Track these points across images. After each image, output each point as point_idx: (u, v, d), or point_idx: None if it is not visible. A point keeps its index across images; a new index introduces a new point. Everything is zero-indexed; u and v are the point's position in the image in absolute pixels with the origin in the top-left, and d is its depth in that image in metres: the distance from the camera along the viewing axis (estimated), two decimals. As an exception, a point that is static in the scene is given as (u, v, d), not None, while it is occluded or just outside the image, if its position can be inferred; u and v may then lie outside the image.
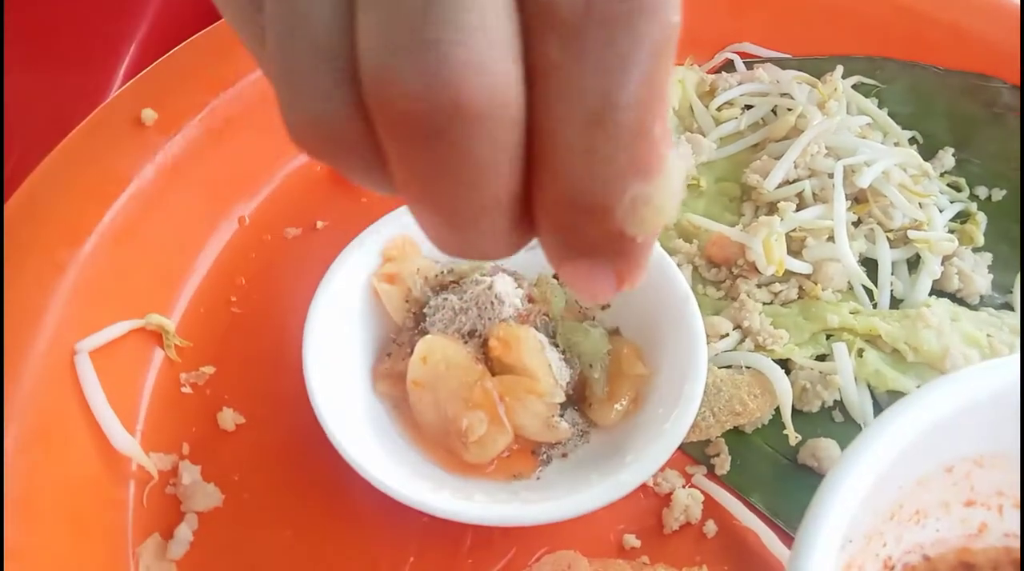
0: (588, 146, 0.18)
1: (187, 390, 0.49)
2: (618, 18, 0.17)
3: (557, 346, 0.47)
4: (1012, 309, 0.54)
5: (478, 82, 0.17)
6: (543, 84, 0.18)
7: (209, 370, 0.50)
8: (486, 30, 0.17)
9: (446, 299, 0.47)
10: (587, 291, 0.22)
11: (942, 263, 0.54)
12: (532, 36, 0.18)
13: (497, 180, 0.19)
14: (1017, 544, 0.39)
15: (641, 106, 0.18)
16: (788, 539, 0.44)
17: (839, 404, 0.49)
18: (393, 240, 0.49)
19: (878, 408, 0.49)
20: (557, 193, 0.20)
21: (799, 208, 0.55)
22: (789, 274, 0.53)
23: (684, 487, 0.46)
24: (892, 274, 0.54)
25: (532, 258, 0.50)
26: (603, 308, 0.51)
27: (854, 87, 0.64)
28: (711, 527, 0.45)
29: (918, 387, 0.46)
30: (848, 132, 0.58)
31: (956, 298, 0.54)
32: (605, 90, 0.18)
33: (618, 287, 0.22)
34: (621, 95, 0.18)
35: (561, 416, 0.45)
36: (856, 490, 0.33)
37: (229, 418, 0.48)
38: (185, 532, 0.44)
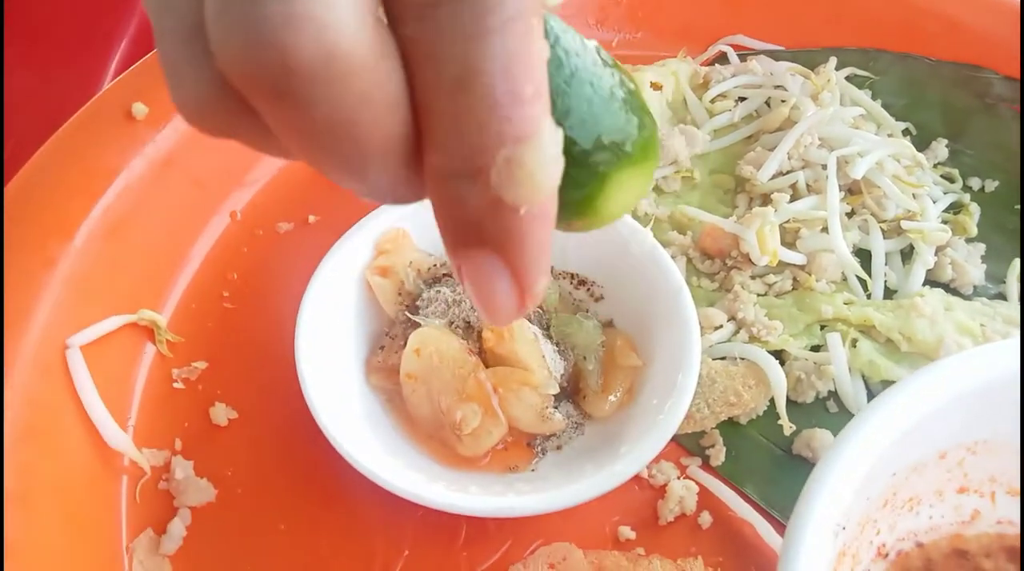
0: (455, 111, 0.19)
1: (179, 385, 0.49)
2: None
3: (551, 338, 0.47)
4: (1006, 299, 0.54)
5: (302, 39, 0.17)
6: (411, 53, 0.19)
7: (201, 365, 0.50)
8: None
9: (439, 291, 0.47)
10: (487, 294, 0.21)
11: (936, 253, 0.54)
12: (394, 7, 0.18)
13: (370, 130, 0.19)
14: (1010, 531, 0.39)
15: (505, 69, 0.18)
16: (782, 529, 0.43)
17: (833, 394, 0.49)
18: (386, 233, 0.49)
19: (872, 398, 0.48)
20: (436, 162, 0.20)
21: (793, 199, 0.55)
22: (783, 265, 0.53)
23: (679, 478, 0.46)
24: (886, 265, 0.54)
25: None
26: (596, 300, 0.51)
27: (847, 79, 0.64)
28: (706, 518, 0.45)
29: (912, 376, 0.46)
30: (841, 123, 0.58)
31: (950, 288, 0.54)
32: (465, 56, 0.18)
33: (519, 296, 0.21)
34: (482, 60, 0.18)
35: (555, 408, 0.45)
36: (848, 477, 0.33)
37: (222, 413, 0.48)
38: (178, 527, 0.44)
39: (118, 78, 0.55)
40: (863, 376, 0.49)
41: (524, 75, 0.19)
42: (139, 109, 0.52)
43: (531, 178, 0.19)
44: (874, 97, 0.64)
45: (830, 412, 0.49)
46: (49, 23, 0.69)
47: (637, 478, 0.46)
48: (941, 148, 0.62)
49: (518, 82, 0.19)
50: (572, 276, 0.51)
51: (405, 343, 0.45)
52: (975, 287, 0.54)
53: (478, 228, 0.20)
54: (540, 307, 0.48)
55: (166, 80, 0.20)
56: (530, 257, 0.21)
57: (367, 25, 0.18)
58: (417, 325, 0.46)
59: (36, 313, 0.45)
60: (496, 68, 0.18)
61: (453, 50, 0.18)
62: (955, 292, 0.54)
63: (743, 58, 0.66)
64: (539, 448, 0.45)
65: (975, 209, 0.58)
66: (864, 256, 0.54)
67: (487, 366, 0.44)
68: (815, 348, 0.50)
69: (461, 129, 0.19)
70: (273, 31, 0.17)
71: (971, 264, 0.54)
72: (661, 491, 0.46)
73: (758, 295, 0.52)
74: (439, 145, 0.20)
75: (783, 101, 0.60)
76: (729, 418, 0.48)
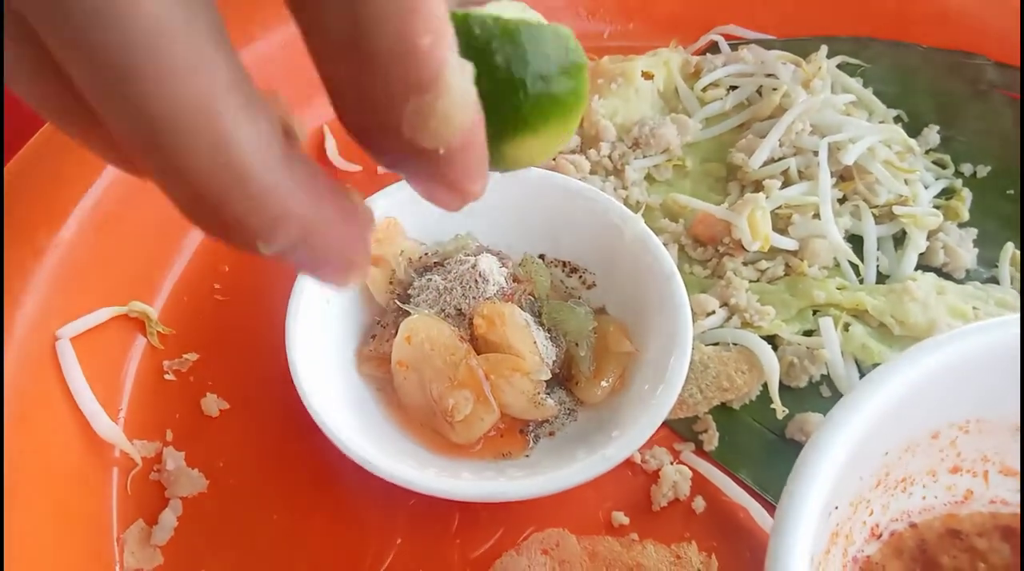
0: (352, 75, 0.19)
1: (170, 377, 0.49)
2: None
3: (543, 325, 0.47)
4: (998, 283, 0.54)
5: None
6: (301, 24, 0.19)
7: (192, 357, 0.50)
8: None
9: (430, 280, 0.47)
10: (432, 200, 0.22)
11: (928, 238, 0.54)
12: None
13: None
14: (1004, 510, 0.39)
15: (392, 26, 0.18)
16: (777, 513, 0.43)
17: (826, 379, 0.49)
18: (377, 222, 0.48)
19: (865, 382, 0.48)
20: (354, 126, 0.20)
21: (784, 186, 0.55)
22: (775, 251, 0.53)
23: (672, 464, 0.46)
24: (878, 250, 0.54)
25: (517, 239, 0.50)
26: (588, 287, 0.51)
27: (839, 67, 0.64)
28: (700, 503, 0.44)
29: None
30: (833, 110, 0.58)
31: (942, 273, 0.54)
32: (348, 20, 0.18)
33: (459, 197, 0.22)
34: (365, 21, 0.18)
35: (547, 394, 0.45)
36: (838, 455, 0.33)
37: (213, 404, 0.48)
38: (170, 518, 0.44)
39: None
40: (856, 360, 0.49)
41: (417, 26, 0.19)
42: (128, 101, 0.52)
43: (445, 123, 0.20)
44: (865, 85, 0.64)
45: (823, 396, 0.49)
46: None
47: (630, 463, 0.46)
48: (933, 134, 0.62)
49: (411, 35, 0.18)
50: (564, 263, 0.51)
51: (396, 332, 0.45)
52: (967, 271, 0.54)
53: (404, 163, 0.21)
54: (531, 294, 0.47)
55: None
56: (462, 175, 0.21)
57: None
58: (408, 314, 0.45)
59: (26, 304, 0.45)
60: (383, 27, 0.18)
61: (336, 15, 0.18)
62: (947, 276, 0.54)
63: (734, 47, 0.66)
64: (532, 434, 0.45)
65: (967, 194, 0.58)
66: (856, 241, 0.54)
67: (479, 353, 0.44)
68: (808, 333, 0.50)
69: (363, 91, 0.19)
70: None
71: (963, 248, 0.54)
72: (654, 476, 0.45)
73: (750, 281, 0.52)
74: (347, 111, 0.20)
75: (774, 89, 0.60)
76: (722, 403, 0.48)
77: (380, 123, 0.20)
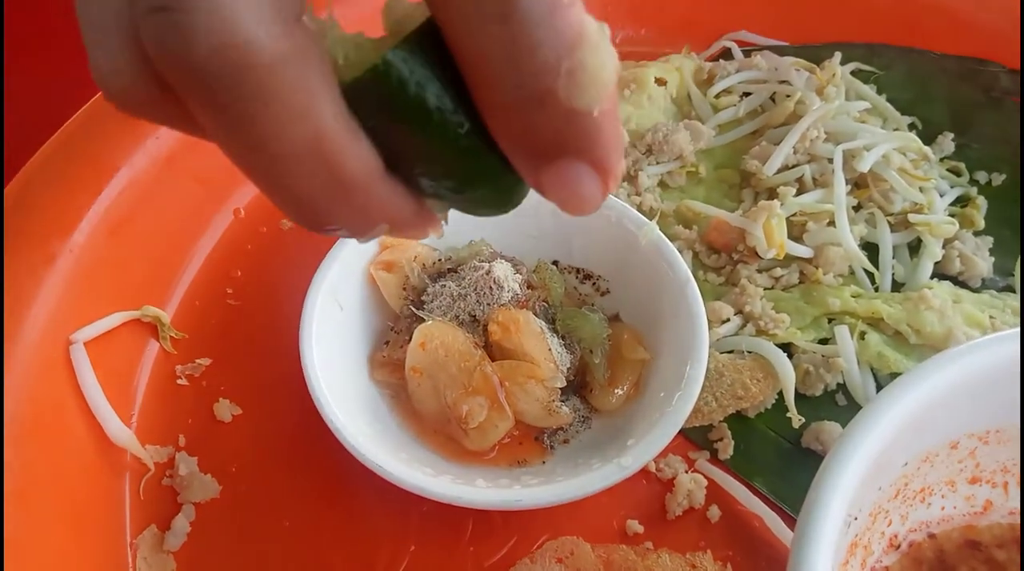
0: (504, 43, 0.19)
1: (183, 382, 0.49)
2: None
3: (557, 332, 0.47)
4: (1014, 291, 0.53)
5: (196, 51, 0.19)
6: (442, 9, 0.20)
7: (205, 362, 0.50)
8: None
9: (444, 286, 0.46)
10: (575, 197, 0.22)
11: (943, 246, 0.54)
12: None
13: (277, 131, 0.20)
14: None
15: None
16: (792, 522, 0.43)
17: (842, 387, 0.49)
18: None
19: (881, 390, 0.48)
20: (501, 102, 0.21)
21: (799, 193, 0.55)
22: (790, 259, 0.52)
23: (687, 472, 0.45)
24: (893, 258, 0.53)
25: (531, 245, 0.50)
26: (602, 294, 0.50)
27: (852, 73, 0.64)
28: (715, 512, 0.44)
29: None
30: (847, 117, 0.58)
31: (958, 281, 0.54)
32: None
33: (603, 183, 0.22)
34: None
35: (562, 402, 0.45)
36: (859, 466, 0.32)
37: (226, 409, 0.48)
38: (182, 523, 0.44)
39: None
40: (872, 369, 0.49)
41: None
42: (142, 106, 0.52)
43: (596, 76, 0.20)
44: (879, 92, 0.64)
45: (839, 405, 0.48)
46: (52, 22, 0.69)
47: (645, 472, 0.45)
48: (947, 142, 0.61)
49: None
50: (578, 270, 0.51)
51: (410, 338, 0.45)
52: (983, 280, 0.54)
53: (556, 143, 0.21)
54: (545, 301, 0.47)
55: (90, 59, 0.22)
56: (610, 147, 0.22)
57: (274, 31, 0.19)
58: (422, 320, 0.45)
59: (40, 309, 0.45)
60: None
61: None
62: (963, 285, 0.54)
63: (747, 54, 0.66)
64: (547, 442, 0.45)
65: (982, 202, 0.57)
66: (871, 249, 0.54)
67: (493, 360, 0.44)
68: (823, 341, 0.50)
69: (516, 59, 0.20)
70: (176, 40, 0.19)
71: (979, 257, 0.54)
72: (669, 485, 0.45)
73: (765, 289, 0.52)
74: (495, 84, 0.20)
75: (788, 96, 0.60)
76: (737, 412, 0.47)
77: (539, 94, 0.20)
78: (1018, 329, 0.36)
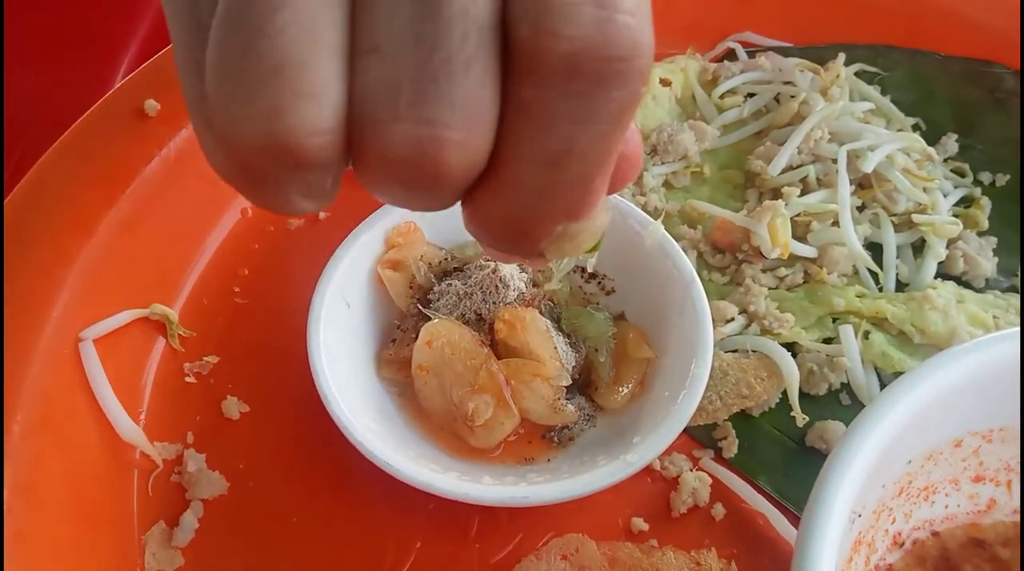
0: (539, 184, 0.20)
1: (191, 379, 0.49)
2: (596, 78, 0.19)
3: (562, 331, 0.47)
4: (1018, 292, 0.53)
5: (453, 155, 0.19)
6: (515, 121, 0.20)
7: (213, 360, 0.50)
8: (468, 108, 0.19)
9: (450, 284, 0.47)
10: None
11: (947, 247, 0.54)
12: (514, 76, 0.19)
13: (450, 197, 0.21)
14: (1028, 519, 0.38)
15: (596, 158, 0.20)
16: (796, 521, 0.43)
17: (846, 387, 0.49)
18: (397, 227, 0.49)
19: (885, 390, 0.48)
20: (497, 213, 0.21)
21: (803, 194, 0.55)
22: (794, 258, 0.53)
23: (691, 470, 0.46)
24: (897, 258, 0.53)
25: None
26: (607, 293, 0.51)
27: (856, 75, 0.64)
28: (719, 510, 0.44)
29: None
30: (851, 118, 0.58)
31: (962, 281, 0.54)
32: (569, 139, 0.19)
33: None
34: (582, 146, 0.20)
35: (567, 400, 0.45)
36: (862, 463, 0.33)
37: (233, 407, 0.48)
38: (190, 519, 0.44)
39: (131, 75, 0.55)
40: (876, 368, 0.49)
41: (607, 166, 0.20)
42: (151, 106, 0.53)
43: (575, 249, 0.22)
44: (883, 93, 0.64)
45: (843, 404, 0.49)
46: (61, 24, 0.69)
47: (649, 470, 0.46)
48: (951, 143, 0.62)
49: (599, 172, 0.20)
50: (583, 270, 0.51)
51: (416, 336, 0.45)
52: (987, 280, 0.54)
53: (514, 254, 0.23)
54: (551, 299, 0.48)
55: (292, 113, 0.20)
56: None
57: (492, 134, 0.20)
58: (428, 318, 0.46)
59: (50, 307, 0.45)
60: (590, 155, 0.20)
61: (561, 130, 0.19)
62: (967, 285, 0.54)
63: (751, 55, 0.66)
64: (553, 440, 0.45)
65: (986, 203, 0.58)
66: (875, 249, 0.54)
67: (499, 358, 0.44)
68: (827, 340, 0.50)
69: (534, 200, 0.20)
70: (433, 149, 0.19)
71: (983, 257, 0.54)
72: (673, 483, 0.45)
73: (769, 288, 0.52)
74: (505, 202, 0.21)
75: (792, 96, 0.60)
76: (741, 410, 0.48)
77: (529, 231, 0.21)
78: (1020, 328, 0.36)
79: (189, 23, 0.20)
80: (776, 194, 0.55)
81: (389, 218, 0.48)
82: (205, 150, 0.21)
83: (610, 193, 0.23)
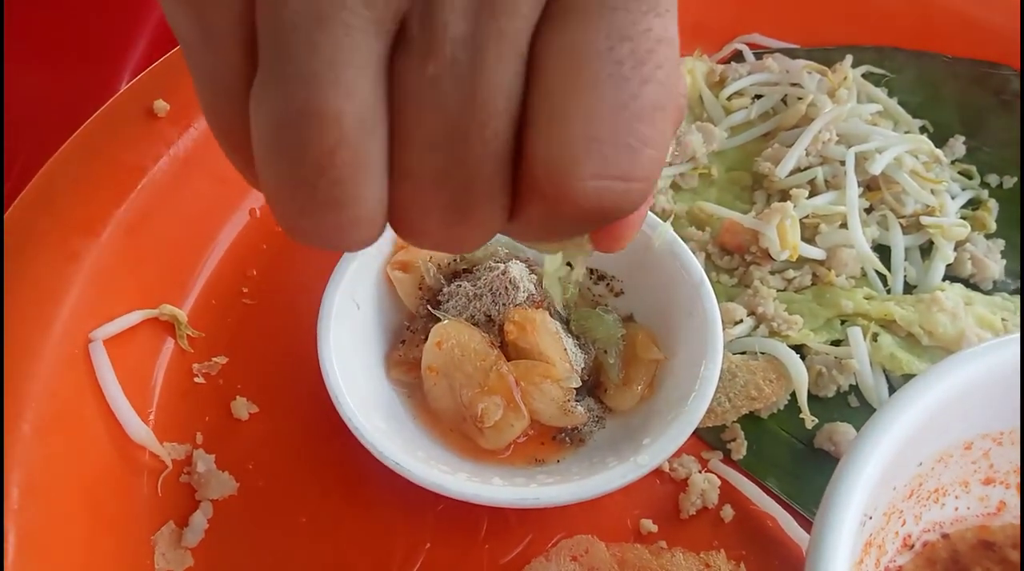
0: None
1: (200, 380, 0.49)
2: (605, 221, 0.22)
3: (571, 333, 0.47)
4: (1025, 294, 0.54)
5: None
6: (522, 220, 0.23)
7: (222, 360, 0.50)
8: (486, 230, 0.23)
9: (460, 286, 0.47)
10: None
11: (955, 249, 0.54)
12: (526, 196, 0.22)
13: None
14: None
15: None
16: (805, 523, 0.44)
17: (855, 389, 0.49)
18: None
19: (894, 392, 0.48)
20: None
21: (811, 196, 0.55)
22: (803, 260, 0.53)
23: (700, 472, 0.46)
24: (905, 260, 0.54)
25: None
26: (616, 295, 0.51)
27: (864, 76, 0.64)
28: (728, 512, 0.45)
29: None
30: (859, 120, 0.58)
31: (969, 283, 0.54)
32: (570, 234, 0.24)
33: None
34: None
35: (577, 401, 0.45)
36: (875, 466, 0.33)
37: (243, 407, 0.48)
38: (200, 520, 0.44)
39: (139, 76, 0.55)
40: (884, 370, 0.49)
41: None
42: (160, 106, 0.53)
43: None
44: (890, 95, 0.64)
45: (851, 406, 0.49)
46: (67, 25, 0.69)
47: (658, 472, 0.46)
48: (958, 145, 0.62)
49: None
50: (591, 271, 0.51)
51: (426, 337, 0.45)
52: (995, 282, 0.54)
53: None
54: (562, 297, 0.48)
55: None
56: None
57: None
58: (438, 319, 0.46)
59: (60, 307, 0.45)
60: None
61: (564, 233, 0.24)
62: (975, 287, 0.54)
63: (759, 56, 0.66)
64: (563, 441, 0.45)
65: (993, 205, 0.58)
66: (883, 251, 0.54)
67: (509, 359, 0.44)
68: (835, 343, 0.50)
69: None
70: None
71: (991, 259, 0.54)
72: (683, 485, 0.45)
73: (778, 290, 0.52)
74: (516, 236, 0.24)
75: (800, 98, 0.60)
76: (750, 412, 0.48)
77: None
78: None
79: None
80: (784, 196, 0.55)
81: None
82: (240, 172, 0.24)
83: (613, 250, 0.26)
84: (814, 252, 0.52)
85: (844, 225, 0.53)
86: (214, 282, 0.53)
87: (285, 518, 0.45)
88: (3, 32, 0.64)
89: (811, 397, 0.48)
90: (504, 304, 0.45)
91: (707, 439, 0.48)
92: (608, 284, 0.51)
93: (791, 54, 0.66)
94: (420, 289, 0.48)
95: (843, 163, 0.55)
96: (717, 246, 0.55)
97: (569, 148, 0.20)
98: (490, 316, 0.45)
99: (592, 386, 0.47)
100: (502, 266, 0.46)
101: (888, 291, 0.53)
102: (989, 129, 0.63)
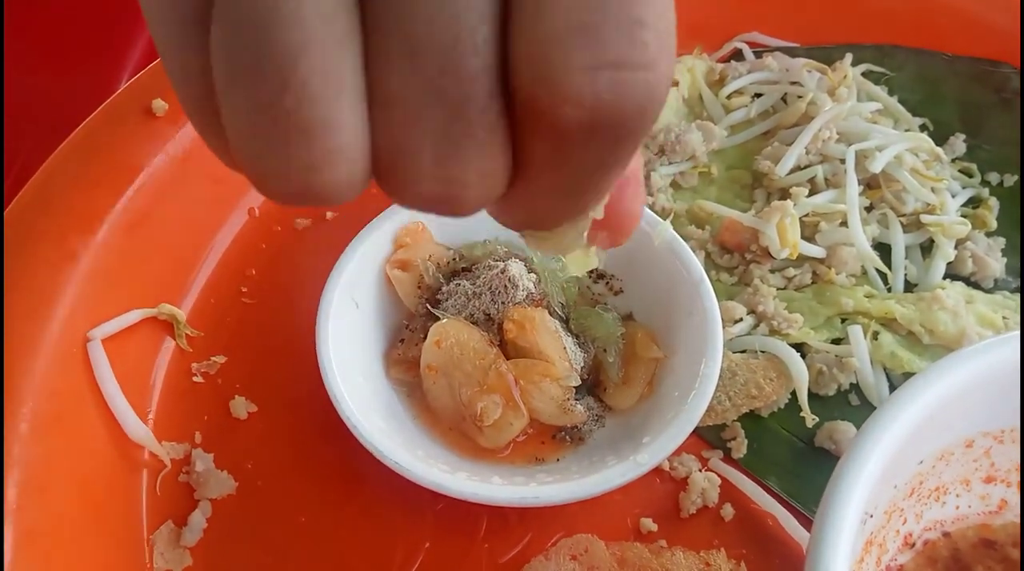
0: (552, 204, 0.21)
1: (198, 379, 0.49)
2: (612, 139, 0.18)
3: (571, 331, 0.47)
4: (1026, 292, 0.53)
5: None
6: (529, 164, 0.20)
7: (220, 359, 0.50)
8: (486, 166, 0.20)
9: (459, 284, 0.47)
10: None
11: (955, 247, 0.54)
12: (526, 129, 0.19)
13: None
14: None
15: (606, 186, 0.21)
16: (805, 521, 0.43)
17: (855, 387, 0.49)
18: (405, 227, 0.49)
19: (894, 390, 0.48)
20: (515, 218, 0.22)
21: (811, 194, 0.55)
22: (803, 259, 0.52)
23: (701, 471, 0.46)
24: (906, 258, 0.53)
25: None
26: (616, 293, 0.51)
27: (863, 75, 0.64)
28: (728, 510, 0.44)
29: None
30: (859, 118, 0.58)
31: (970, 282, 0.54)
32: (580, 179, 0.20)
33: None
34: (592, 183, 0.20)
35: (577, 400, 0.45)
36: (876, 464, 0.33)
37: (241, 406, 0.48)
38: (199, 519, 0.44)
39: (138, 75, 0.55)
40: (885, 368, 0.49)
41: (613, 184, 0.22)
42: (159, 106, 0.53)
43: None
44: (890, 93, 0.64)
45: (852, 405, 0.49)
46: (65, 26, 0.69)
47: (658, 470, 0.46)
48: (958, 143, 0.62)
49: (606, 189, 0.22)
50: (591, 270, 0.51)
51: (425, 336, 0.45)
52: (996, 280, 0.54)
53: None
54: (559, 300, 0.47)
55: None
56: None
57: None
58: (437, 318, 0.46)
59: (58, 306, 0.45)
60: (600, 189, 0.21)
61: (573, 174, 0.20)
62: (976, 285, 0.54)
63: (758, 55, 0.66)
64: (563, 440, 0.45)
65: (994, 203, 0.57)
66: (884, 250, 0.54)
67: (508, 358, 0.44)
68: (836, 341, 0.50)
69: (548, 211, 0.22)
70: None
71: (992, 257, 0.54)
72: (683, 484, 0.45)
73: (778, 289, 0.52)
74: (520, 208, 0.22)
75: (800, 97, 0.60)
76: (750, 411, 0.48)
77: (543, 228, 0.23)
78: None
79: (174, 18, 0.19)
80: (784, 194, 0.55)
81: (397, 218, 0.48)
82: (213, 150, 0.21)
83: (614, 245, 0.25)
84: (814, 250, 0.52)
85: (844, 223, 0.53)
86: (213, 281, 0.53)
87: (284, 517, 0.45)
88: (3, 32, 0.64)
89: (811, 395, 0.48)
90: (503, 303, 0.45)
91: (707, 438, 0.47)
92: (608, 282, 0.51)
93: (791, 52, 0.66)
94: (419, 288, 0.48)
95: (843, 161, 0.55)
96: (717, 244, 0.55)
97: (555, 40, 0.17)
98: (489, 315, 0.45)
99: (592, 385, 0.47)
100: (501, 265, 0.46)
101: (888, 289, 0.52)
102: (989, 127, 0.63)
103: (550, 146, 0.19)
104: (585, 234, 0.24)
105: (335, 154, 0.18)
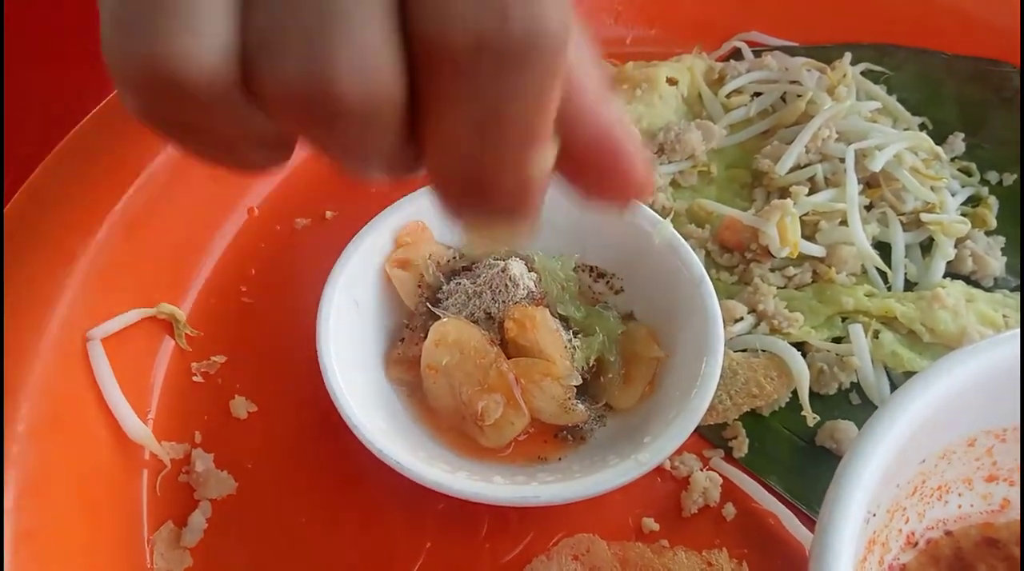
0: (476, 141, 0.20)
1: (198, 379, 0.49)
2: (500, 64, 0.19)
3: (571, 330, 0.47)
4: (1026, 291, 0.53)
5: (352, 79, 0.19)
6: (434, 95, 0.20)
7: (220, 359, 0.50)
8: (360, 44, 0.19)
9: (459, 284, 0.47)
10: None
11: (955, 246, 0.54)
12: (423, 59, 0.19)
13: (375, 142, 0.21)
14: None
15: (524, 121, 0.20)
16: (807, 520, 0.43)
17: (856, 386, 0.49)
18: (405, 226, 0.48)
19: (895, 389, 0.48)
20: (447, 167, 0.22)
21: (811, 193, 0.55)
22: (803, 258, 0.52)
23: (702, 470, 0.46)
24: (906, 257, 0.53)
25: (544, 243, 0.50)
26: (616, 292, 0.51)
27: (863, 74, 0.64)
28: (730, 510, 0.44)
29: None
30: (858, 117, 0.58)
31: (970, 280, 0.54)
32: (491, 111, 0.20)
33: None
34: (505, 114, 0.20)
35: (578, 399, 0.45)
36: (878, 463, 0.33)
37: (241, 406, 0.48)
38: (199, 519, 0.44)
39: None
40: (886, 367, 0.49)
41: (540, 122, 0.21)
42: (158, 104, 0.52)
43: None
44: (889, 92, 0.64)
45: (853, 404, 0.49)
46: (63, 25, 0.69)
47: (660, 470, 0.46)
48: (958, 142, 0.61)
49: (534, 126, 0.21)
50: (591, 269, 0.51)
51: (425, 335, 0.45)
52: (996, 279, 0.54)
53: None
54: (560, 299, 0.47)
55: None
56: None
57: (399, 72, 0.19)
58: (437, 317, 0.45)
59: (58, 306, 0.45)
60: (521, 119, 0.20)
61: (481, 105, 0.20)
62: (976, 284, 0.54)
63: (758, 54, 0.66)
64: (564, 439, 0.45)
65: (994, 202, 0.57)
66: (884, 249, 0.54)
67: (509, 357, 0.44)
68: (837, 340, 0.50)
69: (476, 150, 0.21)
70: (331, 70, 0.18)
71: (991, 256, 0.54)
72: (684, 483, 0.45)
73: (778, 287, 0.52)
74: (446, 153, 0.21)
75: (799, 96, 0.60)
76: (751, 410, 0.48)
77: (484, 184, 0.22)
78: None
79: None
80: (783, 193, 0.55)
81: (397, 217, 0.48)
82: (124, 101, 0.22)
83: (616, 205, 0.25)
84: (814, 249, 0.52)
85: (844, 222, 0.53)
86: (213, 281, 0.53)
87: (284, 518, 0.44)
88: (3, 32, 0.64)
89: (812, 394, 0.48)
90: (504, 301, 0.45)
91: (708, 437, 0.47)
92: (608, 282, 0.51)
93: (790, 52, 0.66)
94: (419, 287, 0.48)
95: (843, 160, 0.55)
96: (717, 243, 0.55)
97: None
98: (490, 313, 0.45)
99: (593, 384, 0.47)
100: (502, 263, 0.46)
101: (889, 288, 0.52)
102: (989, 126, 0.63)
103: (447, 76, 0.19)
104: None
105: (185, 29, 0.18)
